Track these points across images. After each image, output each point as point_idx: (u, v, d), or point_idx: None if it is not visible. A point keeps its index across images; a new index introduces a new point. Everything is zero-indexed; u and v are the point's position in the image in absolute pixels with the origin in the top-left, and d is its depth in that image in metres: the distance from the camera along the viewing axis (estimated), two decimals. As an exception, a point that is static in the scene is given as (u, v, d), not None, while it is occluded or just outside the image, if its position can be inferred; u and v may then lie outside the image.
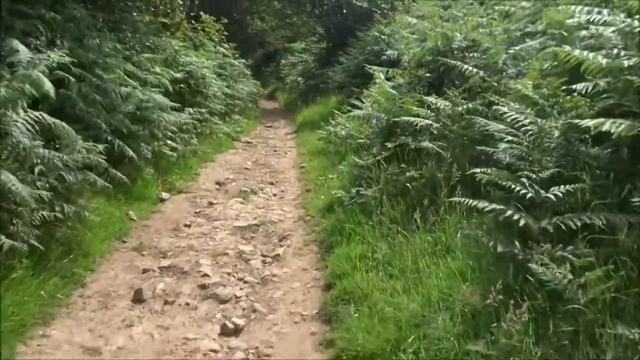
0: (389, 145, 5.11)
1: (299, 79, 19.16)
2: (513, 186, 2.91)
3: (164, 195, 5.99)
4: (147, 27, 8.04)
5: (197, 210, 5.76)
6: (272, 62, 27.73)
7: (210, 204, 6.01)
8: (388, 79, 6.38)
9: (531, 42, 4.66)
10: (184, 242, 4.69)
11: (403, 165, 4.74)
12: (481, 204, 2.95)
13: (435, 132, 4.75)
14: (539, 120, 3.18)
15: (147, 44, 8.28)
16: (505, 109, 3.47)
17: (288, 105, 18.28)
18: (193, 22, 13.60)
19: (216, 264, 4.22)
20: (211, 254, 4.40)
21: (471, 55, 5.84)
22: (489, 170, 3.18)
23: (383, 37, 10.88)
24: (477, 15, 6.06)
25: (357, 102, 9.40)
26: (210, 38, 13.13)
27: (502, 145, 3.39)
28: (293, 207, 6.01)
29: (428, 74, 6.00)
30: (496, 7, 6.34)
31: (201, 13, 14.13)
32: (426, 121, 4.74)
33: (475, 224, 3.38)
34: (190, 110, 7.88)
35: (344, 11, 16.97)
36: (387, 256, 3.56)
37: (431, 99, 4.98)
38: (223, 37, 13.67)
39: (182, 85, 8.28)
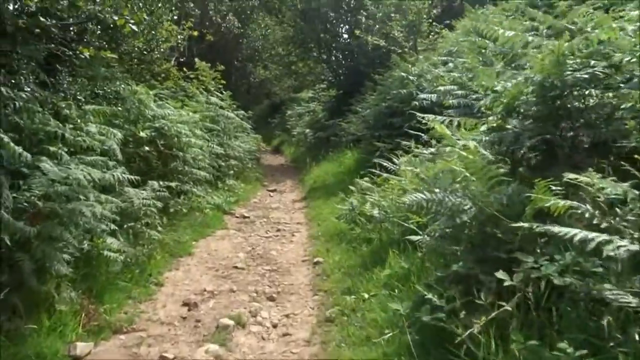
0: (507, 281, 2.45)
1: (307, 130, 16.82)
2: None
3: (80, 349, 3.32)
4: (94, 67, 5.61)
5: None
6: (277, 113, 25.66)
7: (163, 360, 3.34)
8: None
9: None
10: None
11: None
12: None
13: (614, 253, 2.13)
14: None
15: (101, 91, 5.86)
16: None
17: (295, 161, 15.80)
18: (185, 70, 11.42)
19: None
20: None
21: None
22: None
23: (411, 78, 8.46)
24: (608, 20, 3.47)
25: (387, 163, 6.89)
26: (206, 88, 10.83)
27: None
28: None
29: (530, 126, 3.44)
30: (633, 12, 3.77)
31: (196, 60, 11.94)
32: (595, 235, 2.12)
33: None
34: (155, 184, 5.33)
35: (355, 55, 14.77)
36: None
37: (586, 177, 2.40)
38: (220, 86, 11.38)
39: (148, 149, 5.78)
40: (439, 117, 4.39)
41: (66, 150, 4.29)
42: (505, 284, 2.40)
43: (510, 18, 8.65)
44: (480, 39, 7.99)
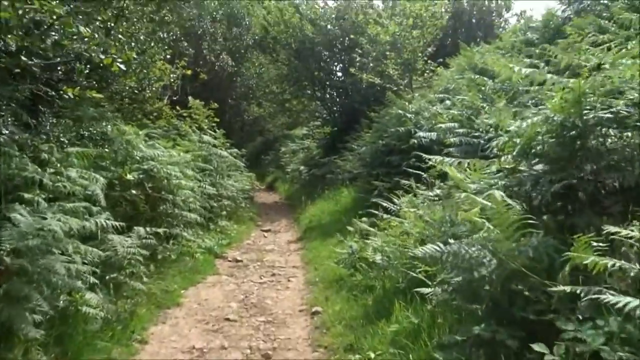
0: (548, 356, 2.09)
1: (302, 167, 16.58)
2: None
3: None
4: (81, 107, 5.32)
5: None
6: (271, 149, 25.48)
7: None
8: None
9: None
10: None
11: None
12: None
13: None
14: None
15: (87, 132, 5.56)
16: None
17: (290, 198, 15.46)
18: (178, 108, 11.22)
19: None
20: None
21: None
22: None
23: (409, 115, 8.25)
24: (628, 55, 3.22)
25: (386, 203, 6.57)
26: (199, 126, 10.59)
27: None
28: None
29: (548, 169, 3.15)
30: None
31: (189, 98, 11.76)
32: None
33: None
34: (142, 230, 4.96)
35: (350, 92, 14.69)
36: None
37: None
38: (214, 124, 11.15)
39: (135, 192, 5.43)
40: (446, 159, 4.10)
41: (44, 196, 3.95)
42: (547, 359, 2.03)
43: (507, 56, 8.61)
44: (478, 76, 7.89)
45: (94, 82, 6.95)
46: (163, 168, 5.66)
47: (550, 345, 2.14)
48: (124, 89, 8.89)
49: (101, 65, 6.06)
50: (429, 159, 4.43)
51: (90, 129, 5.37)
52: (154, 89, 10.04)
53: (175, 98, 11.90)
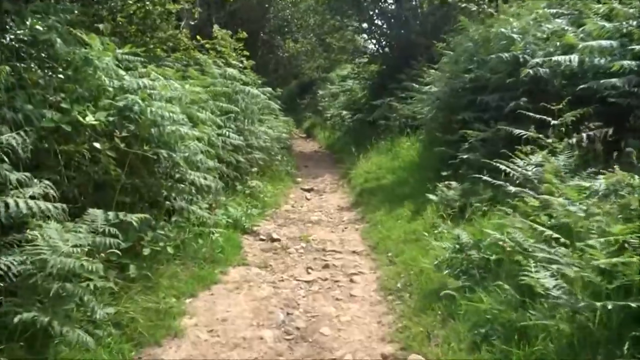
0: None
1: (344, 112, 14.03)
2: None
3: None
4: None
5: None
6: (307, 93, 22.82)
7: None
8: None
9: None
10: None
11: None
12: None
13: None
14: None
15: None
16: None
17: (331, 148, 13.07)
18: (199, 38, 8.77)
19: None
20: None
21: None
22: None
23: (515, 36, 5.52)
24: None
25: (504, 165, 4.07)
26: (226, 61, 8.08)
27: None
28: None
29: None
30: None
31: (215, 26, 9.20)
32: None
33: None
34: (98, 216, 2.68)
35: (405, 21, 11.78)
36: None
37: None
38: (243, 58, 8.63)
39: (97, 145, 3.11)
40: None
41: None
42: None
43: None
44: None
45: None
46: (151, 107, 3.29)
47: None
48: (117, 4, 6.50)
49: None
50: None
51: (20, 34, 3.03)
52: (163, 9, 7.61)
53: (193, 23, 9.39)
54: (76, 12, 4.32)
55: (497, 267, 3.20)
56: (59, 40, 3.28)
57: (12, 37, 3.15)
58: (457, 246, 3.41)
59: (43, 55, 3.33)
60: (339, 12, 13.17)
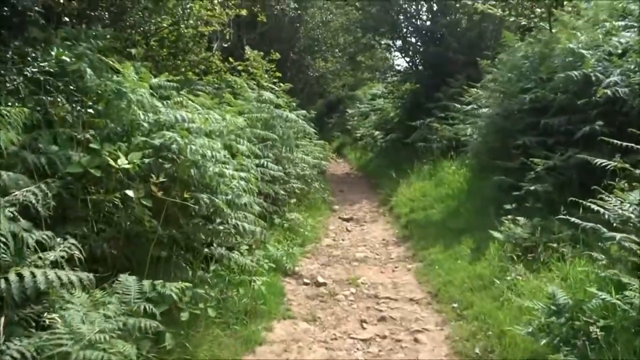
0: None
1: (376, 132, 13.52)
2: None
3: None
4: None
5: None
6: (334, 112, 22.45)
7: None
8: None
9: None
10: None
11: None
12: None
13: None
14: None
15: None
16: None
17: (363, 169, 12.54)
18: (231, 60, 8.44)
19: None
20: None
21: None
22: None
23: (584, 52, 4.92)
24: None
25: (597, 206, 3.44)
26: (258, 83, 7.68)
27: None
28: None
29: None
30: None
31: (246, 48, 8.84)
32: None
33: None
34: (132, 284, 2.20)
35: (441, 37, 11.26)
36: None
37: None
38: (275, 80, 8.22)
39: (129, 194, 2.66)
40: None
41: None
42: None
43: None
44: None
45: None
46: (191, 144, 2.82)
47: None
48: (150, 28, 6.19)
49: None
50: None
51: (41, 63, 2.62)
52: (196, 32, 7.31)
53: (225, 45, 9.07)
54: (108, 36, 3.93)
55: (607, 335, 2.59)
56: (88, 70, 2.88)
57: (35, 69, 2.74)
58: (554, 307, 2.81)
59: (71, 87, 2.92)
60: (371, 30, 12.76)
